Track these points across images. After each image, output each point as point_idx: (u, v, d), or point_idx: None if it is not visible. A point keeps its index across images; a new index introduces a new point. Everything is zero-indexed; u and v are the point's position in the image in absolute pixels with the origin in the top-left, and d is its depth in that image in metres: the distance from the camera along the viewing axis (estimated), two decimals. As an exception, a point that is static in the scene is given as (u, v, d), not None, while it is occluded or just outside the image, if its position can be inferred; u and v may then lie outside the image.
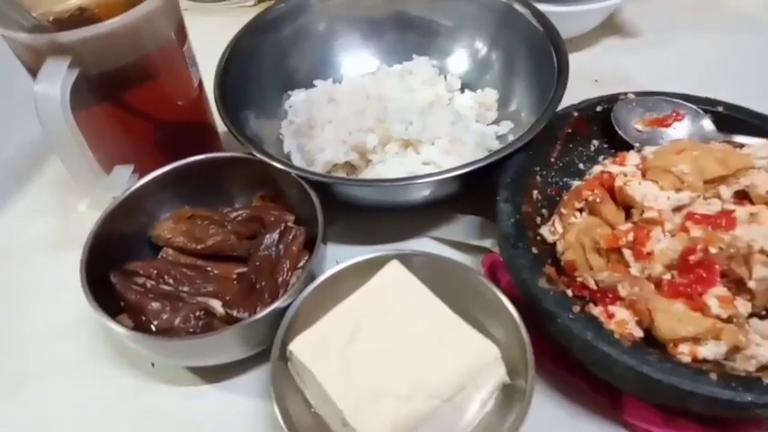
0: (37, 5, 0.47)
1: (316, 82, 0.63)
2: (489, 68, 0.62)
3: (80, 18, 0.49)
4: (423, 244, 0.54)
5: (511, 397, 0.40)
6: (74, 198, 0.60)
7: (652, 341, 0.40)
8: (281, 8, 0.61)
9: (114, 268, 0.46)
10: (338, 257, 0.48)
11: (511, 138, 0.57)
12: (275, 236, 0.47)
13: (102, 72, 0.46)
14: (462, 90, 0.63)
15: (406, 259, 0.44)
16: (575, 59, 0.72)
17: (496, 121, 0.61)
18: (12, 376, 0.48)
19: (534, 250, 0.43)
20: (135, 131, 0.51)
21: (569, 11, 0.68)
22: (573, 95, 0.53)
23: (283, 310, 0.42)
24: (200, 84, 0.55)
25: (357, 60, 0.65)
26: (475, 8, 0.61)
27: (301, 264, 0.47)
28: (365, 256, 0.45)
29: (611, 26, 0.75)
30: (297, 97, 0.62)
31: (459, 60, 0.64)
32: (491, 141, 0.58)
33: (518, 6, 0.58)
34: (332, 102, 0.59)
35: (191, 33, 0.53)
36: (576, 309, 0.39)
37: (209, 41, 0.57)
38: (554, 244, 0.45)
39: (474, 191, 0.52)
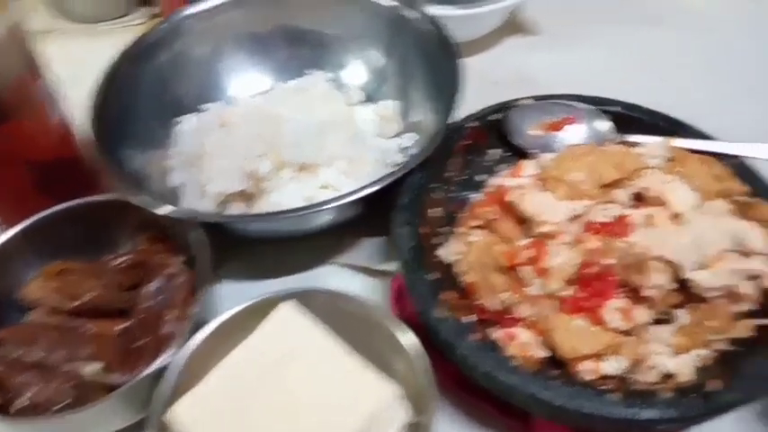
0: None
1: (206, 106, 0.59)
2: (387, 79, 0.60)
3: None
4: (329, 272, 0.52)
5: (418, 434, 0.38)
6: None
7: (557, 361, 0.38)
8: (156, 33, 0.56)
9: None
10: (239, 296, 0.45)
11: (415, 150, 0.55)
12: (158, 284, 0.43)
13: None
14: (364, 103, 0.61)
15: (301, 298, 0.41)
16: (476, 62, 0.71)
17: (399, 134, 0.59)
18: None
19: (433, 276, 0.41)
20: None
21: (467, 14, 0.67)
22: (475, 100, 0.52)
23: (165, 368, 0.38)
24: (64, 120, 0.50)
25: (249, 80, 0.62)
26: (362, 15, 0.59)
27: (189, 311, 0.43)
28: (255, 298, 0.42)
29: (512, 26, 0.74)
30: (187, 124, 0.58)
31: (355, 72, 0.62)
32: (393, 155, 0.56)
33: (407, 11, 0.56)
34: (224, 126, 0.56)
35: (72, 58, 0.48)
36: (475, 337, 0.37)
37: (91, 67, 0.53)
38: (453, 265, 0.43)
39: (378, 210, 0.49)
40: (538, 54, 0.72)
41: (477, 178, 0.50)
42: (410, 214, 0.44)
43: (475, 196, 0.48)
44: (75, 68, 0.54)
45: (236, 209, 0.53)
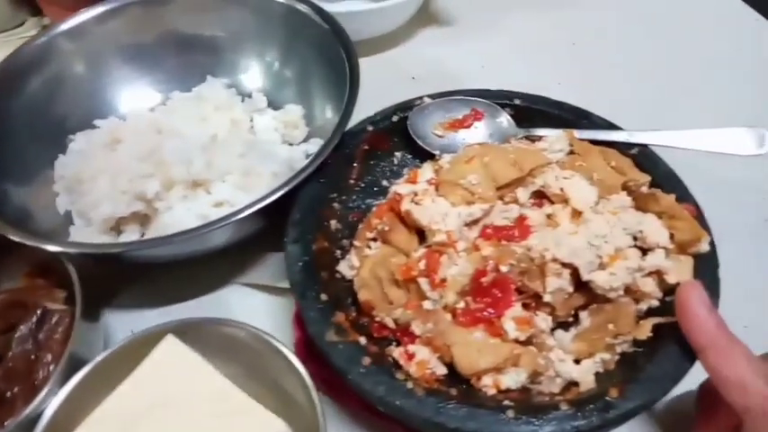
0: None
1: (96, 122, 0.55)
2: (287, 82, 0.57)
3: None
4: (233, 292, 0.49)
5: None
6: None
7: (458, 376, 0.36)
8: (22, 57, 0.51)
9: None
10: (135, 327, 0.41)
11: (318, 157, 0.52)
12: (31, 324, 0.40)
13: None
14: (266, 109, 0.57)
15: (190, 328, 0.39)
16: (390, 57, 0.69)
17: (306, 139, 0.56)
18: None
19: (324, 297, 0.38)
20: None
21: (376, 7, 0.64)
22: (390, 97, 0.49)
23: (37, 419, 0.35)
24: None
25: (141, 93, 0.57)
26: (250, 14, 0.55)
27: (67, 353, 0.40)
28: (136, 333, 0.38)
29: (426, 16, 0.72)
30: (77, 144, 0.54)
31: (253, 77, 0.58)
32: (299, 162, 0.53)
33: (301, 6, 0.53)
34: (113, 145, 0.52)
35: None
36: (367, 361, 0.35)
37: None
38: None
39: (282, 223, 0.46)
40: (453, 45, 0.70)
41: (383, 183, 0.47)
42: (302, 229, 0.41)
43: (377, 204, 0.46)
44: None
45: (130, 232, 0.50)
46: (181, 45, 0.57)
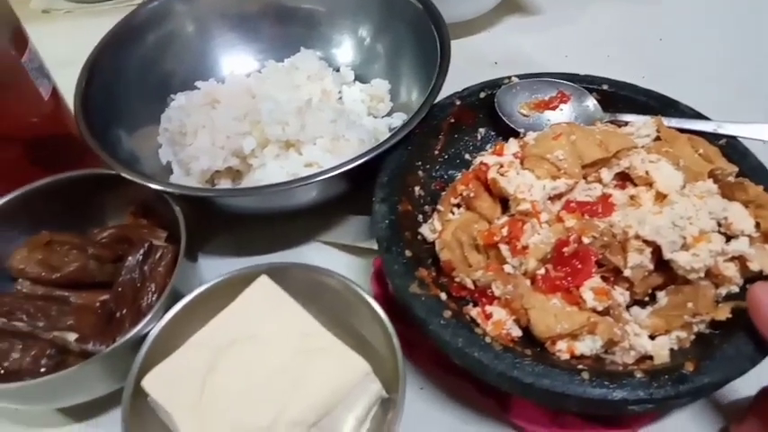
0: None
1: (197, 83, 0.59)
2: (377, 58, 0.60)
3: None
4: (313, 250, 0.52)
5: (389, 411, 0.38)
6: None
7: (532, 339, 0.38)
8: (141, 15, 0.56)
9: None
10: (222, 272, 0.45)
11: (403, 130, 0.55)
12: (139, 257, 0.44)
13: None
14: (354, 82, 0.60)
15: (278, 272, 0.41)
16: (473, 42, 0.71)
17: (390, 113, 0.58)
18: None
19: (408, 253, 0.40)
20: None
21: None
22: (472, 80, 0.51)
23: (143, 339, 0.39)
24: (56, 95, 0.50)
25: (241, 59, 0.62)
26: None
27: (168, 284, 0.43)
28: (232, 272, 0.42)
29: (511, 5, 0.73)
30: (177, 102, 0.58)
31: (345, 51, 0.61)
32: (383, 135, 0.55)
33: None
34: (212, 104, 0.56)
35: (75, 37, 0.48)
36: (448, 314, 0.37)
37: (88, 47, 0.53)
38: (434, 243, 0.43)
39: (364, 189, 0.49)
40: (537, 33, 0.70)
41: (466, 157, 0.49)
42: (389, 191, 0.44)
43: (460, 175, 0.47)
44: (74, 48, 0.54)
45: (224, 186, 0.53)
46: (280, 16, 0.60)
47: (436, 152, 0.48)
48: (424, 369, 0.43)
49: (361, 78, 0.60)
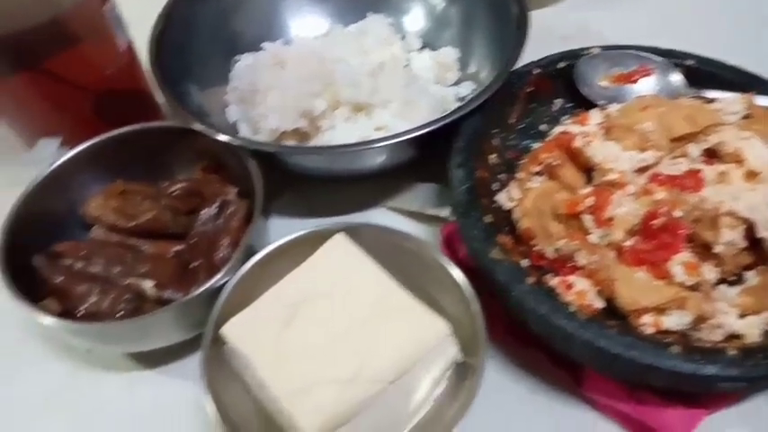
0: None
1: (264, 45, 0.58)
2: (448, 25, 0.58)
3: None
4: (379, 215, 0.51)
5: (465, 375, 0.37)
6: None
7: (614, 312, 0.37)
8: None
9: (40, 250, 0.43)
10: (287, 232, 0.45)
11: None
12: (213, 210, 0.44)
13: (15, 34, 0.41)
14: (422, 49, 0.59)
15: (354, 232, 0.41)
16: (541, 16, 0.68)
17: (458, 83, 0.57)
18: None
19: (488, 219, 0.39)
20: (59, 101, 0.47)
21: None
22: (539, 55, 0.50)
23: (218, 290, 0.39)
24: (131, 49, 0.50)
25: (308, 21, 0.61)
26: None
27: (241, 239, 0.43)
28: (308, 229, 0.41)
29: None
30: (244, 62, 0.58)
31: (415, 17, 0.60)
32: (450, 104, 0.55)
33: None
34: (279, 65, 0.55)
35: None
36: (531, 280, 0.36)
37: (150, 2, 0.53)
38: (511, 211, 0.42)
39: (433, 156, 0.48)
40: (605, 10, 0.68)
41: (541, 127, 0.48)
42: (466, 156, 0.43)
43: (536, 145, 0.46)
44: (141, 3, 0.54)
45: (292, 146, 0.53)
46: None
47: (512, 120, 0.47)
48: (494, 337, 0.42)
49: (428, 45, 0.59)
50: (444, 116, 0.44)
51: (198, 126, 0.45)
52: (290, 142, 0.53)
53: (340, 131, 0.50)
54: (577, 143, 0.41)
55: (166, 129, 0.48)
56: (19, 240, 0.42)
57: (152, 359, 0.43)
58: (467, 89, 0.56)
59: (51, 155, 0.45)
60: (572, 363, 0.39)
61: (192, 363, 0.43)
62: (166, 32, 0.51)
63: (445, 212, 0.48)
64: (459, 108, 0.44)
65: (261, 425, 0.36)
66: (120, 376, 0.44)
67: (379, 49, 0.56)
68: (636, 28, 0.65)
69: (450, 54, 0.57)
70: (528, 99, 0.48)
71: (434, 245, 0.44)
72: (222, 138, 0.45)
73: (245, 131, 0.54)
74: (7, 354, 0.45)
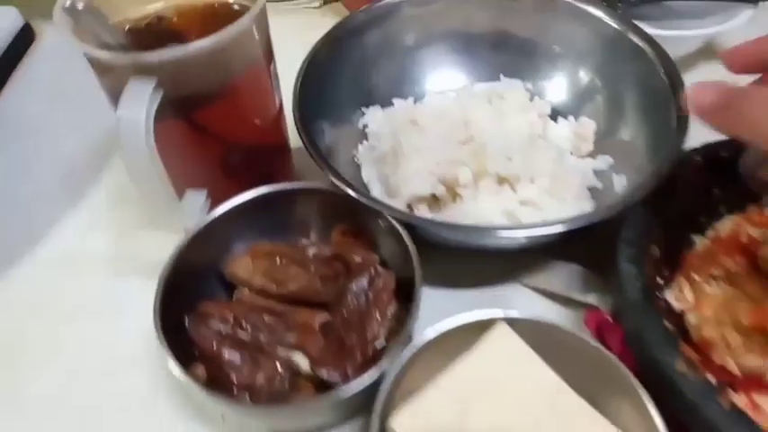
0: (112, 12, 0.43)
1: (394, 101, 0.58)
2: (590, 98, 0.57)
3: (158, 28, 0.44)
4: (514, 290, 0.50)
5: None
6: (131, 215, 0.56)
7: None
8: (365, 15, 0.55)
9: (184, 306, 0.42)
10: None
11: (614, 176, 0.52)
12: (364, 282, 0.43)
13: (183, 95, 0.41)
14: (554, 118, 0.58)
15: (520, 323, 0.39)
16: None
17: (592, 155, 0.56)
18: (60, 405, 0.45)
19: (666, 323, 0.37)
20: (209, 155, 0.47)
21: (668, 35, 0.62)
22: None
23: (380, 377, 0.37)
24: (281, 104, 0.50)
25: (438, 75, 0.60)
26: (583, 32, 0.55)
27: (389, 315, 0.42)
28: (469, 316, 0.40)
29: (709, 51, 0.69)
30: (372, 116, 0.57)
31: (557, 87, 0.58)
32: (590, 178, 0.53)
33: (632, 36, 0.52)
34: (415, 124, 0.54)
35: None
36: (725, 402, 0.34)
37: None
38: (681, 313, 0.40)
39: (580, 237, 0.46)
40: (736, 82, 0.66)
41: (702, 219, 0.46)
42: (638, 251, 0.41)
43: (698, 239, 0.44)
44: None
45: (422, 212, 0.52)
46: (501, 42, 0.58)
47: (671, 211, 0.45)
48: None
49: (559, 113, 0.58)
50: (612, 206, 0.42)
51: (359, 197, 0.43)
52: (421, 207, 0.52)
53: (482, 203, 0.49)
54: (763, 253, 0.38)
55: (308, 189, 0.47)
56: (170, 295, 0.41)
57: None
58: (604, 163, 0.54)
59: (199, 208, 0.45)
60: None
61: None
62: (310, 75, 0.51)
63: (590, 299, 0.47)
64: (628, 198, 0.43)
65: None
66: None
67: (516, 116, 0.55)
68: None
69: (588, 125, 0.56)
70: (687, 188, 0.46)
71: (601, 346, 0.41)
72: (376, 206, 0.43)
73: (377, 193, 0.53)
74: (135, 400, 0.44)
